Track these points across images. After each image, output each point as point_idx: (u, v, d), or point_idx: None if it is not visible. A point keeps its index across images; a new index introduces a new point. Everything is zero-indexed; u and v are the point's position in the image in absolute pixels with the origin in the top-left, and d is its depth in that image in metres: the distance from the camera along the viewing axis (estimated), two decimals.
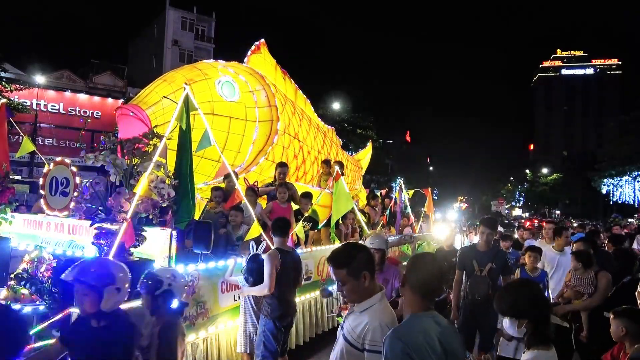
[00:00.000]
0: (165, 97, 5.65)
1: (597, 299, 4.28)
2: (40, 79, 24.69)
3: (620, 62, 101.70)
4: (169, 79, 6.15)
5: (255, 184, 6.76)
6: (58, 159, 4.61)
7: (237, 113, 6.58)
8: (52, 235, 4.44)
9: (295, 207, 6.44)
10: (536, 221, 31.31)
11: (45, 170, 4.62)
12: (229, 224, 5.26)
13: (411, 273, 1.96)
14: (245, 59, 8.04)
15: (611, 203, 47.55)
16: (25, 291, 4.05)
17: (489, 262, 4.39)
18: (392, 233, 9.55)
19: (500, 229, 18.10)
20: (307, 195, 6.53)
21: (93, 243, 3.71)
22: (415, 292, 1.93)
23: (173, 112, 5.44)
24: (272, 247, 4.32)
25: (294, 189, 6.63)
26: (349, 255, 2.13)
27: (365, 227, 7.90)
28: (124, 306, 3.29)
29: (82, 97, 27.26)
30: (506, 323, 2.24)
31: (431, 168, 61.54)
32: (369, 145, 14.08)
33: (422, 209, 13.07)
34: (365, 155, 13.50)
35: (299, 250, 5.57)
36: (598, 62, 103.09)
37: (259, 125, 6.90)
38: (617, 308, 3.11)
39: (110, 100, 27.59)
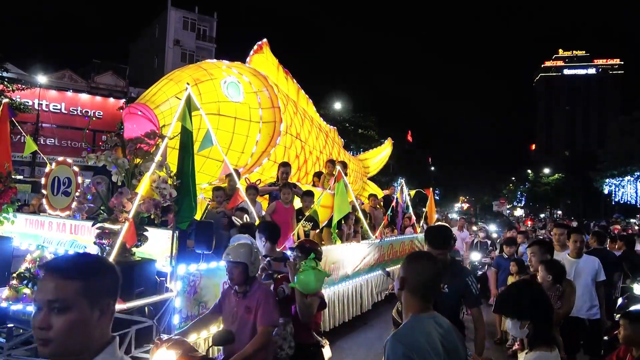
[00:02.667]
0: (176, 97, 5.65)
1: (567, 307, 3.82)
2: (42, 78, 24.74)
3: (622, 62, 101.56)
4: (176, 78, 6.15)
5: (258, 182, 6.77)
6: (60, 158, 4.62)
7: (242, 114, 6.58)
8: (54, 235, 4.44)
9: (297, 207, 6.44)
10: (530, 222, 30.30)
11: (47, 170, 4.62)
12: (234, 228, 5.24)
13: (408, 274, 1.93)
14: (248, 59, 8.04)
15: (613, 203, 47.46)
16: (27, 291, 4.05)
17: (442, 282, 2.96)
18: (394, 234, 9.53)
19: (493, 228, 18.06)
20: (309, 194, 6.52)
21: (95, 243, 3.70)
22: (414, 294, 1.90)
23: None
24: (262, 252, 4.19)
25: (298, 189, 6.63)
26: (96, 265, 1.24)
27: (367, 228, 7.89)
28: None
29: (84, 96, 27.34)
30: (509, 324, 2.23)
31: (432, 168, 61.41)
32: (387, 142, 13.50)
33: (424, 209, 13.05)
34: (376, 154, 13.17)
35: None
36: (600, 62, 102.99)
37: (263, 126, 6.90)
38: (631, 311, 3.10)
39: (111, 100, 27.66)
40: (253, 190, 5.93)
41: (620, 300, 4.96)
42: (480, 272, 8.82)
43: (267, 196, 6.75)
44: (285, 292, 3.46)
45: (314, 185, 7.91)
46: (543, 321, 2.17)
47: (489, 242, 9.98)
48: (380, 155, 13.19)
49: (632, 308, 4.61)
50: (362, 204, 9.23)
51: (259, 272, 3.41)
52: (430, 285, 1.92)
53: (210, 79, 6.32)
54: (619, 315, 4.65)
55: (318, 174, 8.23)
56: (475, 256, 9.26)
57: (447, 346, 1.79)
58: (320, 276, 3.39)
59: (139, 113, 5.43)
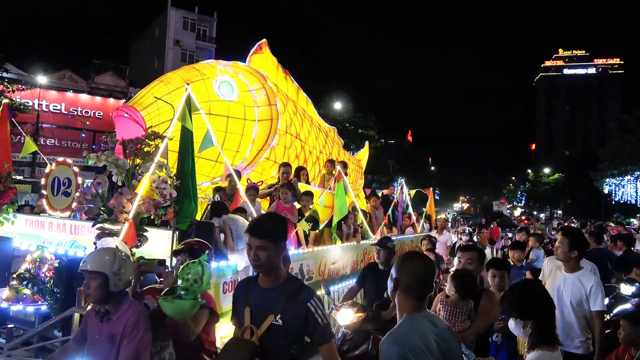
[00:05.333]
0: (157, 97, 5.66)
1: (481, 324, 3.06)
2: (42, 79, 24.76)
3: (622, 62, 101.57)
4: (166, 80, 6.19)
5: (260, 183, 6.77)
6: (60, 159, 4.63)
7: (235, 112, 6.58)
8: (54, 235, 4.44)
9: (298, 206, 6.44)
10: (525, 222, 28.60)
11: (47, 170, 4.63)
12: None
13: (401, 275, 1.92)
14: (247, 59, 8.04)
15: (613, 203, 47.47)
16: (27, 291, 4.06)
17: (272, 311, 2.08)
18: (394, 233, 9.53)
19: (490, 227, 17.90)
20: (308, 194, 6.52)
21: (95, 243, 3.71)
22: (408, 294, 1.90)
23: (168, 112, 5.48)
24: None
25: (298, 190, 6.62)
26: None
27: (367, 227, 7.89)
28: None
29: (84, 97, 27.36)
30: (511, 324, 2.23)
31: (433, 168, 61.51)
32: (366, 145, 14.09)
33: (424, 209, 13.08)
34: (363, 155, 13.54)
35: (300, 251, 5.57)
36: (600, 61, 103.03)
37: (258, 124, 6.89)
38: (632, 312, 3.09)
39: (112, 100, 27.69)
40: (253, 190, 5.97)
41: (607, 300, 4.88)
42: None
43: (268, 197, 6.75)
44: (150, 308, 2.76)
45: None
46: (545, 321, 2.17)
47: None
48: (365, 156, 13.51)
49: (619, 308, 4.54)
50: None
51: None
52: (424, 284, 1.92)
53: (201, 79, 6.33)
54: (606, 316, 4.63)
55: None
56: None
57: (442, 346, 1.79)
58: (185, 307, 2.51)
59: (125, 115, 5.46)
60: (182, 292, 2.52)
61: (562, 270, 3.60)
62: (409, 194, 11.62)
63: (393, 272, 1.96)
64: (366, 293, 4.71)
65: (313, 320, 2.06)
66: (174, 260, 3.67)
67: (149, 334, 2.45)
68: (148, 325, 2.46)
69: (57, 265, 4.16)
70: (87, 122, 25.42)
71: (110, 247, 2.75)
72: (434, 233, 10.30)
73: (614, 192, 45.65)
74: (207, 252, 3.15)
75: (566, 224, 26.87)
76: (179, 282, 2.59)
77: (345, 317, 3.95)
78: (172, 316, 2.50)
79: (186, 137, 4.14)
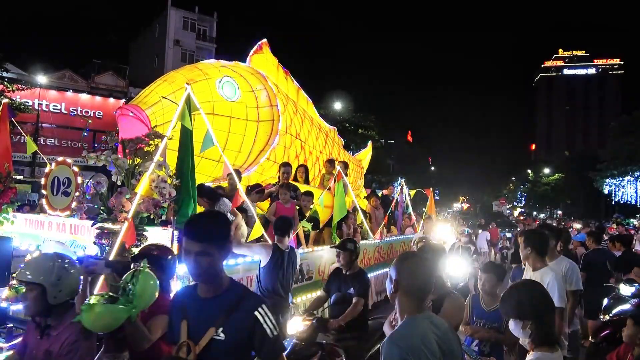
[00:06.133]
0: (163, 97, 5.65)
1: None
2: (42, 79, 24.76)
3: (622, 62, 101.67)
4: (169, 79, 6.17)
5: (268, 186, 6.80)
6: (60, 158, 4.62)
7: (238, 113, 6.58)
8: (54, 235, 4.44)
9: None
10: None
11: (47, 170, 4.62)
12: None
13: (401, 276, 1.91)
14: (247, 59, 8.04)
15: (613, 203, 47.47)
16: None
17: (213, 324, 1.84)
18: (394, 233, 9.53)
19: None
20: (309, 194, 6.52)
21: (95, 243, 3.70)
22: (409, 295, 1.89)
23: (173, 111, 5.47)
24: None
25: (298, 192, 6.63)
26: None
27: (367, 227, 7.89)
28: None
29: (84, 97, 27.37)
30: (511, 325, 2.22)
31: (433, 168, 61.57)
32: (369, 145, 14.09)
33: (424, 209, 13.07)
34: (365, 155, 13.54)
35: (300, 251, 5.58)
36: (600, 61, 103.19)
37: (260, 125, 6.89)
38: (636, 312, 3.11)
39: (112, 100, 27.70)
40: (260, 193, 6.04)
41: (605, 301, 4.84)
42: (461, 284, 6.96)
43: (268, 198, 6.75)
44: None
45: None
46: (545, 321, 2.16)
47: (472, 248, 8.83)
48: (367, 156, 13.49)
49: (619, 308, 4.53)
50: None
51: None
52: (424, 284, 1.91)
53: (204, 78, 6.32)
54: (605, 316, 4.62)
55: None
56: (459, 266, 6.35)
57: (443, 347, 1.79)
58: (114, 313, 2.02)
59: (130, 114, 5.45)
60: (102, 300, 2.04)
61: (530, 271, 3.58)
62: (409, 194, 11.61)
63: (392, 273, 1.95)
64: (331, 299, 4.52)
65: (261, 332, 1.77)
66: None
67: (89, 352, 2.16)
68: (91, 344, 2.18)
69: None
70: (90, 121, 25.43)
71: (51, 255, 2.36)
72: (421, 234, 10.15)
73: (614, 192, 45.65)
74: (169, 257, 2.85)
75: (564, 224, 26.84)
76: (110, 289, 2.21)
77: (293, 325, 3.73)
78: (89, 328, 2.05)
79: (186, 136, 4.14)
